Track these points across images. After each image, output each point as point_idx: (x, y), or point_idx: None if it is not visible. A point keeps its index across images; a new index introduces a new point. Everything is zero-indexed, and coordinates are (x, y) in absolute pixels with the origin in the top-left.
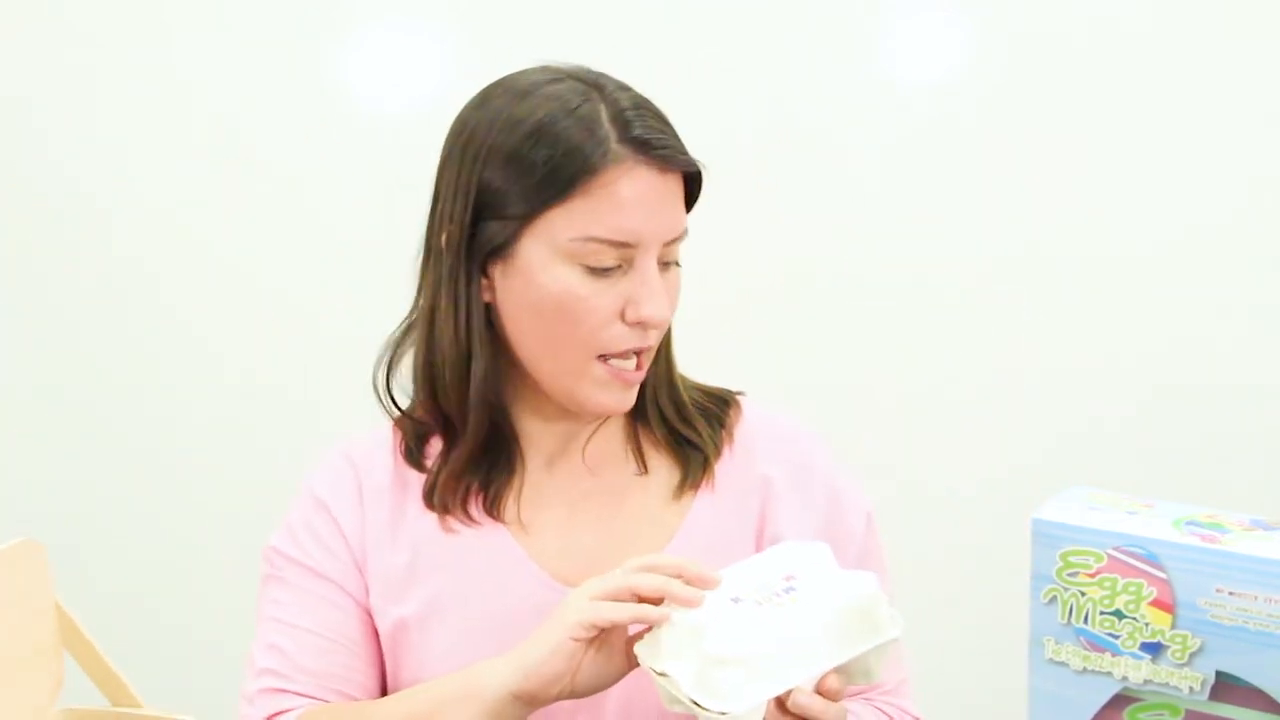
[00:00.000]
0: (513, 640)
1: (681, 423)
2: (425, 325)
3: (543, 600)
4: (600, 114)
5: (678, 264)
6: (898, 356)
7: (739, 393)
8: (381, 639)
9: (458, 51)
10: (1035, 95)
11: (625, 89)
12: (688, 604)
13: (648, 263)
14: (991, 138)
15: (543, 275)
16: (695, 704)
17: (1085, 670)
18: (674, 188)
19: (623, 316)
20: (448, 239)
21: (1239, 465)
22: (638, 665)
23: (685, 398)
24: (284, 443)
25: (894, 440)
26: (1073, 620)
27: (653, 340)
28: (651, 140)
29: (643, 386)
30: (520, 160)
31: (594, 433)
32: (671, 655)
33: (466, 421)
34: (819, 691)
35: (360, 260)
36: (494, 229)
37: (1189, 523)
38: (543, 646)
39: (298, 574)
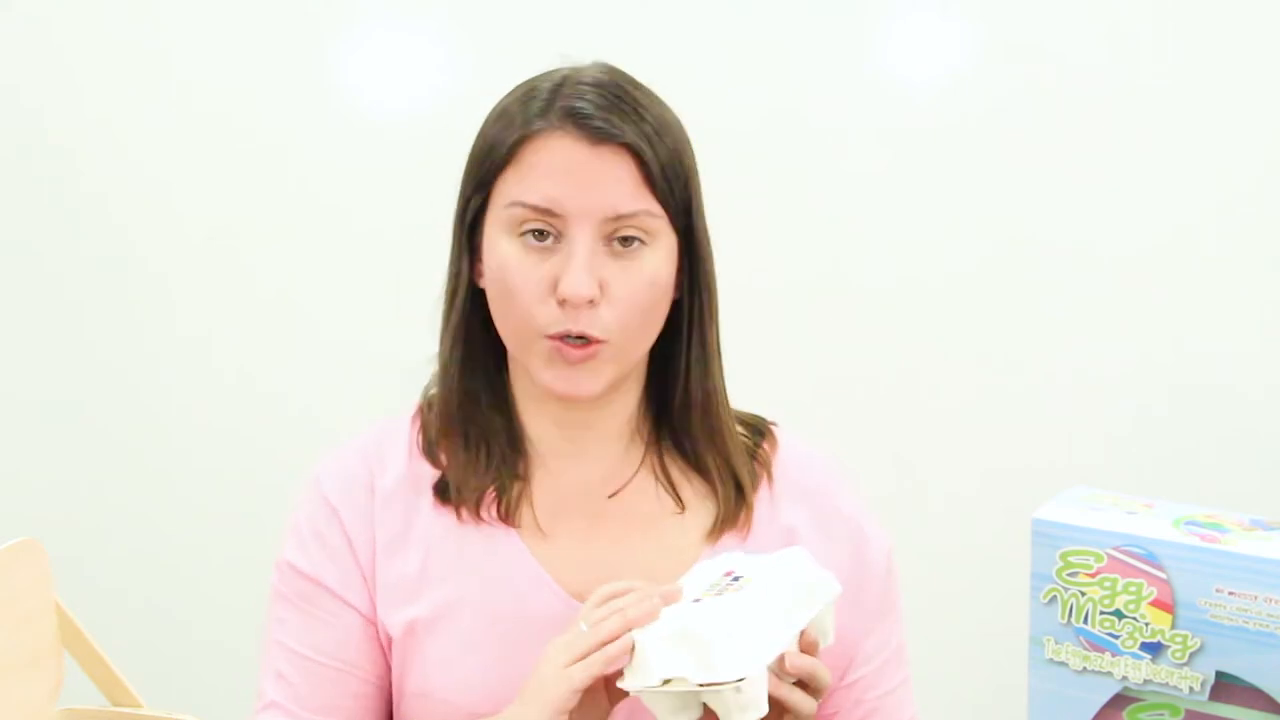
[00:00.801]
0: (520, 651)
1: (713, 452)
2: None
3: (554, 613)
4: (550, 89)
5: (641, 240)
6: (898, 356)
7: (772, 422)
8: (392, 644)
9: (457, 51)
10: (1038, 95)
11: (610, 73)
12: (650, 617)
13: (576, 236)
14: (993, 137)
15: (493, 248)
16: (709, 685)
17: (1085, 670)
18: (613, 163)
19: (555, 292)
20: (454, 219)
21: (1239, 465)
22: (621, 699)
23: (724, 425)
24: (285, 443)
25: (894, 440)
26: (1073, 620)
27: (585, 324)
28: (578, 109)
29: (669, 406)
30: (483, 135)
31: (626, 483)
32: (663, 666)
33: (466, 413)
34: (804, 648)
35: (361, 261)
36: (471, 204)
37: (1189, 522)
38: (558, 704)
39: (306, 591)
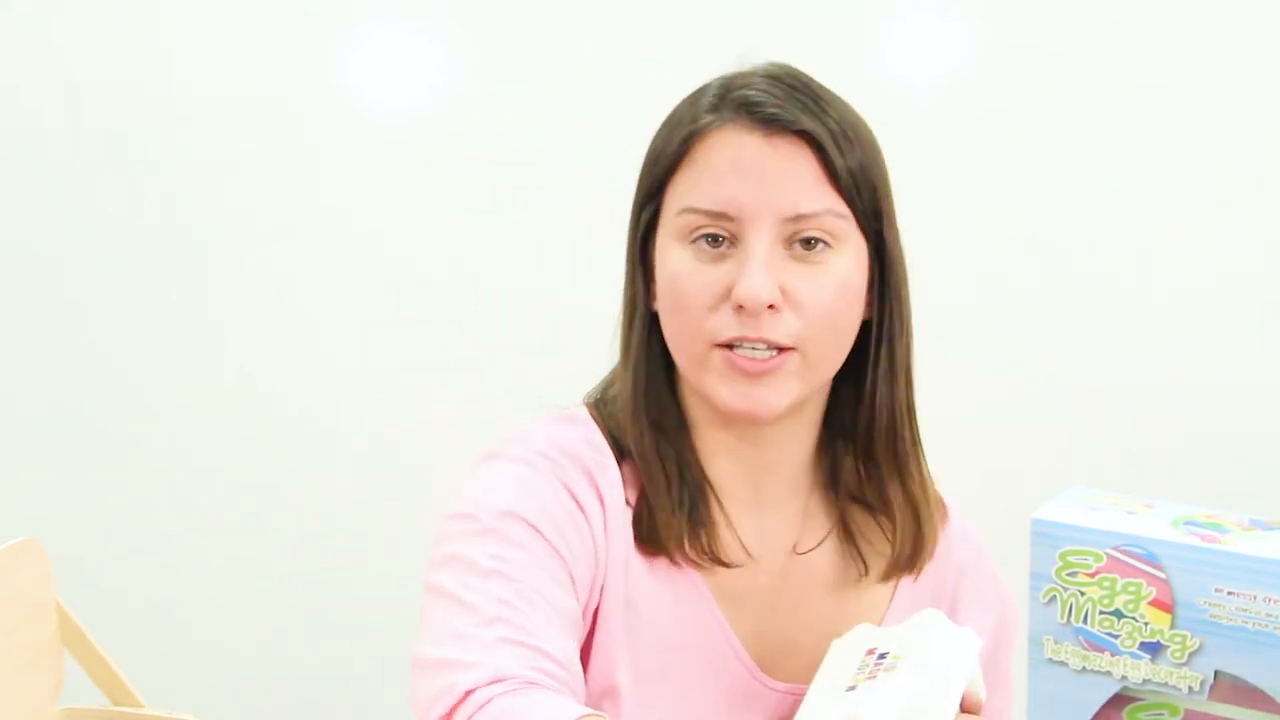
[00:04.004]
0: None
1: (896, 481)
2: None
3: (745, 688)
4: (720, 84)
5: (825, 243)
6: None
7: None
8: (585, 698)
9: (457, 51)
10: (1038, 95)
11: (784, 67)
12: None
13: (753, 238)
14: (993, 137)
15: (665, 259)
16: None
17: (1085, 670)
18: (791, 156)
19: (731, 298)
20: (627, 236)
21: (1239, 465)
22: None
23: (909, 451)
24: (285, 443)
25: None
26: (1072, 620)
27: (768, 330)
28: (750, 98)
29: (852, 439)
30: (653, 142)
31: (819, 544)
32: None
33: (656, 452)
34: (966, 710)
35: (361, 261)
36: (643, 216)
37: (1188, 522)
38: None
39: (533, 541)
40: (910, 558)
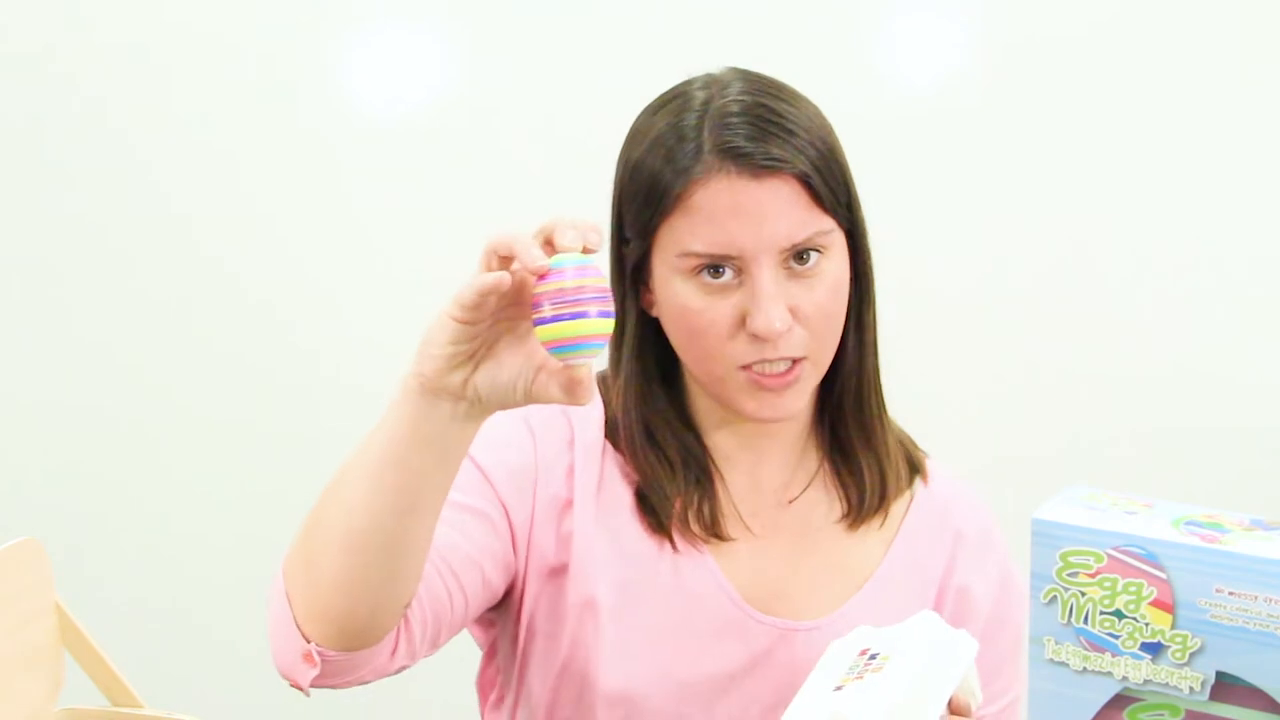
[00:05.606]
0: (687, 653)
1: (864, 443)
2: None
3: (730, 618)
4: (697, 124)
5: (818, 251)
6: (897, 356)
7: (924, 452)
8: (566, 610)
9: (457, 51)
10: (1038, 93)
11: (750, 90)
12: (532, 264)
13: (758, 273)
14: (993, 136)
15: (668, 290)
16: None
17: (1085, 670)
18: (780, 192)
19: (745, 327)
20: (610, 260)
21: (1239, 465)
22: (544, 368)
23: (874, 415)
24: (286, 444)
25: None
26: (1073, 620)
27: (784, 349)
28: (738, 147)
29: (830, 407)
30: (636, 179)
31: (805, 489)
32: None
33: (650, 435)
34: (954, 713)
35: (361, 260)
36: (632, 248)
37: (1188, 522)
38: (431, 325)
39: (466, 468)
40: (878, 505)
